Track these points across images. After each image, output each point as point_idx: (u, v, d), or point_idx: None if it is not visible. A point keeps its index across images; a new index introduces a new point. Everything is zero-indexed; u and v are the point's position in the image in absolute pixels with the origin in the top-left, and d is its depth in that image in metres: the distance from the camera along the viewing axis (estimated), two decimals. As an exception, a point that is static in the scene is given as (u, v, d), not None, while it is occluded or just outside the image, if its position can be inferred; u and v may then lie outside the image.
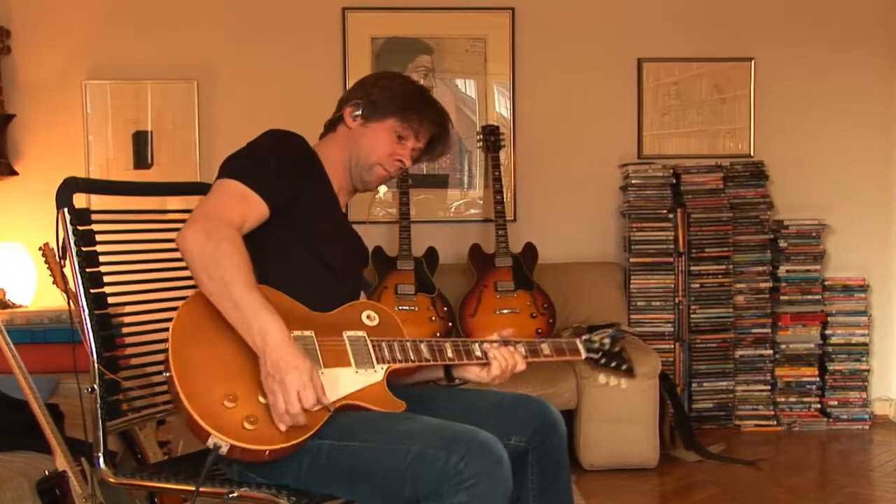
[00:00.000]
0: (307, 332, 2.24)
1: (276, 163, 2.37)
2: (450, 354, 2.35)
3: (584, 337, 2.50)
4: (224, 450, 2.04)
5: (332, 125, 2.63)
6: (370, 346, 2.30)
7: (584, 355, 2.47)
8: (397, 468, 2.06)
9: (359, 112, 2.54)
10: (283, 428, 2.07)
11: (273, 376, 2.07)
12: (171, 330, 2.12)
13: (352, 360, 2.26)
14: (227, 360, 2.14)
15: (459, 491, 1.99)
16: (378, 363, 2.29)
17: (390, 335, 2.36)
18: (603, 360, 2.46)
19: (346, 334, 2.30)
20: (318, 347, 2.23)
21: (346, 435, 2.15)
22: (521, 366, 2.41)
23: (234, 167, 2.33)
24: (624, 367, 2.47)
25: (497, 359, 2.37)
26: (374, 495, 2.12)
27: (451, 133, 2.62)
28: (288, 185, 2.36)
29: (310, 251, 2.40)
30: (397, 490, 2.08)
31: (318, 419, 2.13)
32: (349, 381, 2.22)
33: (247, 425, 2.07)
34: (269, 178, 2.32)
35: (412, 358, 2.31)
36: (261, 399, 2.10)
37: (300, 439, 2.11)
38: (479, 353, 2.37)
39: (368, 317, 2.38)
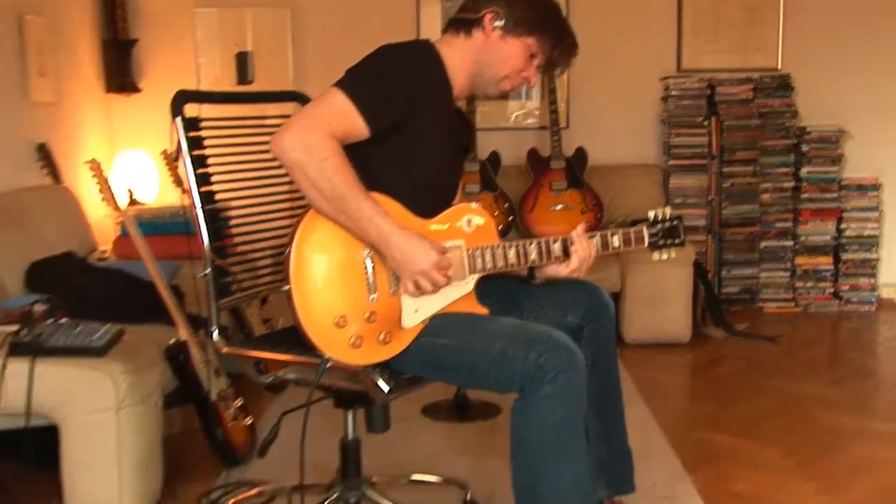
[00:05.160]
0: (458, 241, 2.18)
1: (389, 88, 2.09)
2: (533, 257, 2.21)
3: (648, 224, 2.33)
4: (330, 364, 2.06)
5: (465, 26, 2.25)
6: (465, 258, 2.18)
7: (647, 242, 2.32)
8: (481, 364, 2.03)
9: (500, 23, 2.20)
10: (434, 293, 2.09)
11: (407, 268, 2.04)
12: (293, 246, 2.04)
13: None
14: (341, 276, 2.07)
15: (545, 384, 1.95)
16: (470, 273, 2.19)
17: (485, 240, 2.21)
18: (661, 242, 2.35)
19: (446, 245, 2.14)
20: None
21: (436, 333, 2.11)
22: (593, 254, 2.25)
23: (349, 82, 2.06)
24: (678, 240, 2.35)
25: (577, 252, 2.22)
26: (460, 382, 2.08)
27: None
28: (394, 115, 2.10)
29: (403, 172, 2.18)
30: (480, 381, 2.07)
31: (412, 335, 2.12)
32: (443, 293, 2.14)
33: (352, 346, 2.06)
34: (378, 104, 2.06)
35: (500, 265, 2.19)
36: (366, 317, 2.06)
37: (394, 355, 2.10)
38: (558, 253, 2.23)
39: (468, 222, 2.21)
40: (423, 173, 2.21)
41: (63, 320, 2.78)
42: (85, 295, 3.23)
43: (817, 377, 4.10)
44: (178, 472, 2.94)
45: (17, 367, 2.50)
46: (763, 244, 5.33)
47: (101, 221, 4.57)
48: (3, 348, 2.52)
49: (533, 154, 5.08)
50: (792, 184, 5.31)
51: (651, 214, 2.35)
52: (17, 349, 2.52)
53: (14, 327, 2.64)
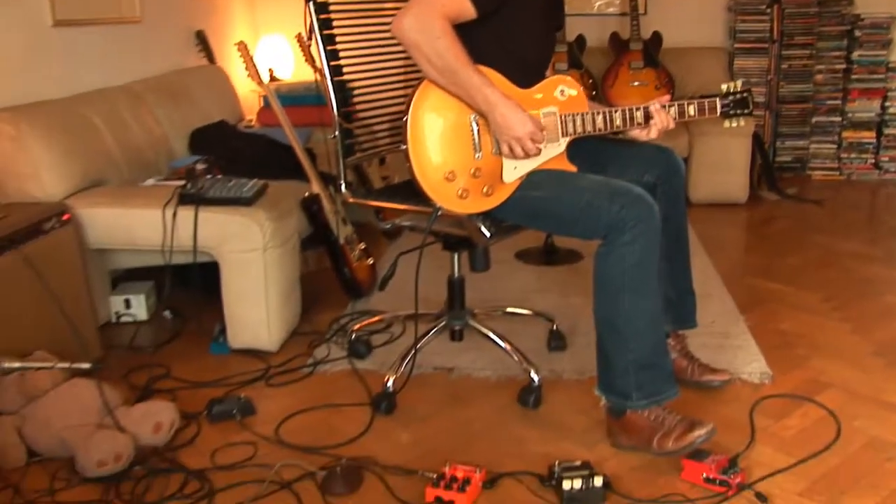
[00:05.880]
0: (553, 108, 2.08)
1: None
2: (618, 123, 2.10)
3: (721, 95, 2.17)
4: (441, 212, 2.03)
5: None
6: (559, 122, 2.08)
7: (719, 111, 2.17)
8: (571, 213, 1.98)
9: None
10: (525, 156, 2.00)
11: (506, 132, 1.96)
12: (410, 112, 1.99)
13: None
14: (451, 137, 2.01)
15: (625, 232, 1.90)
16: (563, 136, 2.09)
17: (577, 107, 2.10)
18: (732, 111, 2.20)
19: (542, 111, 2.06)
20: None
21: (532, 187, 2.05)
22: (671, 125, 2.13)
23: None
24: (747, 110, 2.20)
25: (657, 123, 2.10)
26: (551, 230, 2.00)
27: None
28: None
29: (504, 48, 2.08)
30: (569, 229, 2.03)
31: (511, 188, 2.05)
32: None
33: (459, 198, 2.02)
34: None
35: (589, 130, 2.08)
36: (472, 173, 2.01)
37: (495, 205, 2.05)
38: (640, 120, 2.11)
39: (562, 92, 2.10)
40: (522, 49, 2.12)
41: (219, 176, 2.81)
42: (236, 156, 3.25)
43: (855, 235, 3.92)
44: (313, 303, 2.98)
45: (185, 214, 2.55)
46: (814, 119, 5.02)
47: (248, 95, 4.56)
48: (174, 199, 2.59)
49: (614, 37, 4.83)
50: (843, 66, 4.95)
51: (724, 87, 2.20)
52: (184, 199, 2.58)
53: (181, 182, 2.70)
